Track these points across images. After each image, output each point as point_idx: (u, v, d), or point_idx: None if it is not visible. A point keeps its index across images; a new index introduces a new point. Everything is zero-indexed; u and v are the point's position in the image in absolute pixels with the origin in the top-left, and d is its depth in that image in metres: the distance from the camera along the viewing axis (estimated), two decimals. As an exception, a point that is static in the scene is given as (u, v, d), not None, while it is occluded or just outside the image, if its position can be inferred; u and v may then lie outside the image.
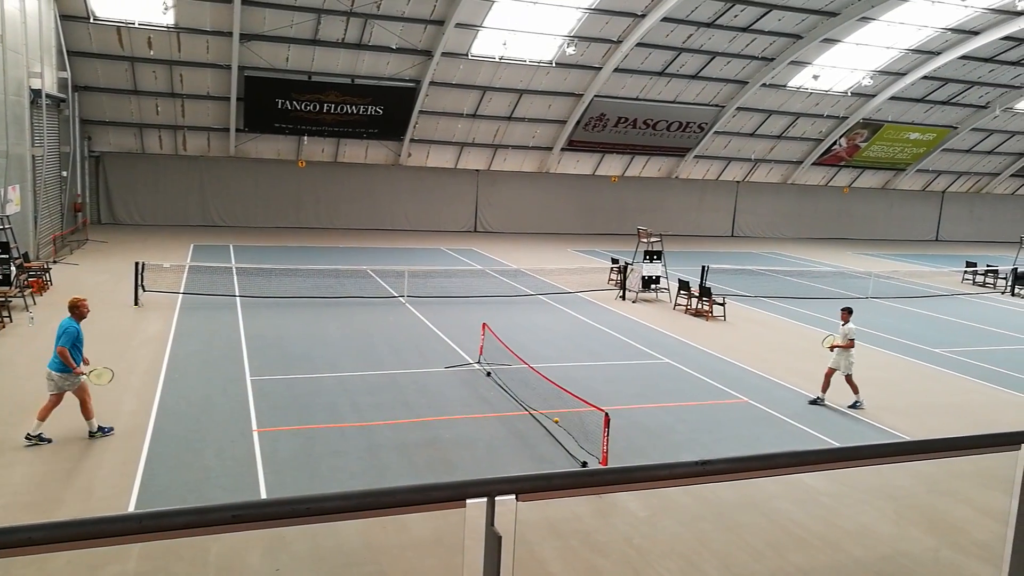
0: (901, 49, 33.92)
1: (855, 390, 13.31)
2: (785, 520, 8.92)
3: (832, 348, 13.45)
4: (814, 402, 13.44)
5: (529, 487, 1.77)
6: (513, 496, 1.75)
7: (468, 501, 1.72)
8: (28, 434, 9.98)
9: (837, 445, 9.92)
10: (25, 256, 20.55)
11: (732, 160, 41.31)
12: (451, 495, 1.71)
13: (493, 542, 1.72)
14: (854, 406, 13.27)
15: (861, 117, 39.01)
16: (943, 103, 39.46)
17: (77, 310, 10.45)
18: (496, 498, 1.74)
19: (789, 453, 1.99)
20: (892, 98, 37.68)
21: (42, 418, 9.98)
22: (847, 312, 13.63)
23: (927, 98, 38.76)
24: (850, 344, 13.27)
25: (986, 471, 10.00)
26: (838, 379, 13.40)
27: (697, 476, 1.90)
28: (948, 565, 8.21)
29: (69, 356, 10.03)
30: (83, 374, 10.22)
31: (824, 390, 13.47)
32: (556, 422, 11.51)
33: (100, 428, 10.42)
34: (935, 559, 8.37)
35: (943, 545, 8.60)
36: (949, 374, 16.24)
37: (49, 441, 10.02)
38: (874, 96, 37.52)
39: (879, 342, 18.80)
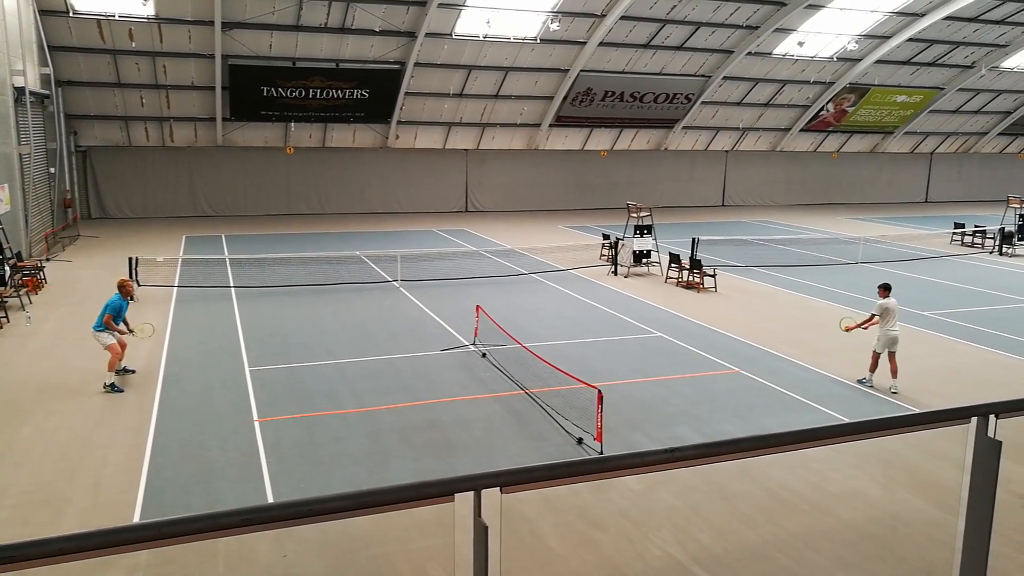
0: (885, 12, 33.86)
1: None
2: (777, 487, 9.17)
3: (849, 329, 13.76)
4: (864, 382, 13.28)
5: (512, 480, 1.94)
6: (498, 488, 1.93)
7: (456, 496, 1.89)
8: (104, 384, 12.25)
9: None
10: (18, 255, 20.61)
11: (720, 130, 41.34)
12: (441, 491, 1.89)
13: (480, 532, 1.90)
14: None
15: (848, 82, 39.01)
16: (929, 65, 39.47)
17: (123, 289, 12.90)
18: (482, 491, 1.92)
19: (751, 438, 2.16)
20: (878, 62, 37.67)
21: (111, 369, 12.33)
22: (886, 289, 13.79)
23: (913, 60, 38.76)
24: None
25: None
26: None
27: (665, 463, 2.08)
28: (935, 524, 8.47)
29: (112, 323, 12.52)
30: (125, 332, 12.71)
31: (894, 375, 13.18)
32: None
33: (125, 368, 12.85)
34: (922, 519, 8.64)
35: (931, 505, 8.86)
36: (939, 337, 16.49)
37: (122, 391, 12.19)
38: (860, 60, 37.50)
39: (869, 307, 19.01)
